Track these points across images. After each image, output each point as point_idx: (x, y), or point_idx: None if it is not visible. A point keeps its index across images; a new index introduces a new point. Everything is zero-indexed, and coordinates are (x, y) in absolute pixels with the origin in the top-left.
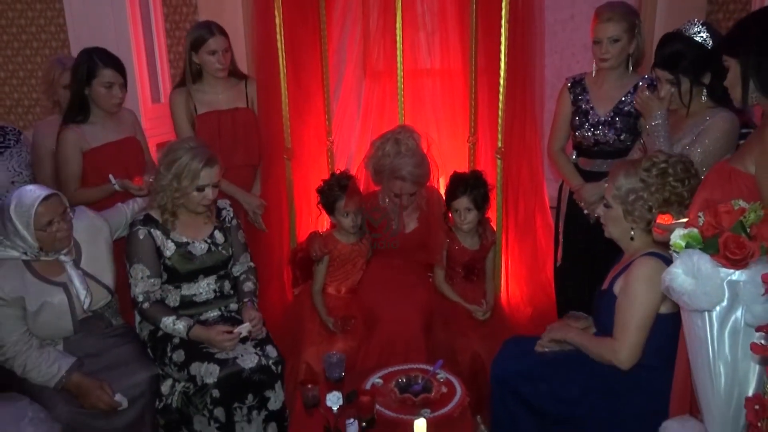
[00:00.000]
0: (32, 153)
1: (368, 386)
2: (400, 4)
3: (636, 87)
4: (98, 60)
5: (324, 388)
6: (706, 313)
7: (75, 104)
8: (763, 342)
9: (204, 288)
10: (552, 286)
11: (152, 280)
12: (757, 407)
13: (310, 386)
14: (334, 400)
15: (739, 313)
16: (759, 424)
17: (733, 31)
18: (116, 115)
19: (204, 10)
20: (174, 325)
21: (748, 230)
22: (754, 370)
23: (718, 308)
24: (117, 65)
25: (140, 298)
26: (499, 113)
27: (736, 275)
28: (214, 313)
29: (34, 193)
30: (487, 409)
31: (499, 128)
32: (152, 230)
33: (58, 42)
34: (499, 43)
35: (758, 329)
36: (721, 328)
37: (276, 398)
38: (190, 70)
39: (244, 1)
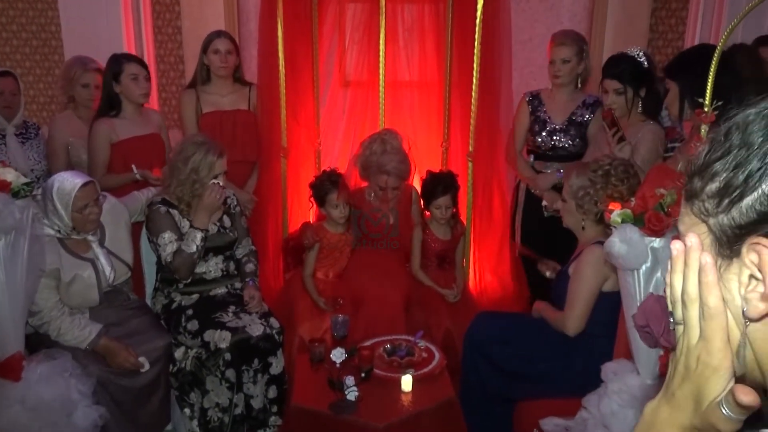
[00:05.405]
0: (48, 145)
1: None
2: (383, 22)
3: (584, 102)
4: (122, 58)
5: (327, 347)
6: (635, 272)
7: (106, 101)
8: None
9: (213, 267)
10: (509, 275)
11: (179, 243)
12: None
13: (317, 344)
14: (338, 354)
15: (659, 273)
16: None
17: (675, 60)
18: (144, 114)
19: (187, 18)
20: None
21: (666, 209)
22: None
23: (643, 267)
24: (139, 60)
25: (169, 258)
26: (471, 122)
27: (657, 242)
28: (221, 290)
29: (74, 179)
30: (457, 376)
31: (471, 135)
32: (170, 209)
33: (51, 48)
34: (471, 60)
35: None
36: (646, 284)
37: (277, 363)
38: (201, 72)
39: (226, 10)
